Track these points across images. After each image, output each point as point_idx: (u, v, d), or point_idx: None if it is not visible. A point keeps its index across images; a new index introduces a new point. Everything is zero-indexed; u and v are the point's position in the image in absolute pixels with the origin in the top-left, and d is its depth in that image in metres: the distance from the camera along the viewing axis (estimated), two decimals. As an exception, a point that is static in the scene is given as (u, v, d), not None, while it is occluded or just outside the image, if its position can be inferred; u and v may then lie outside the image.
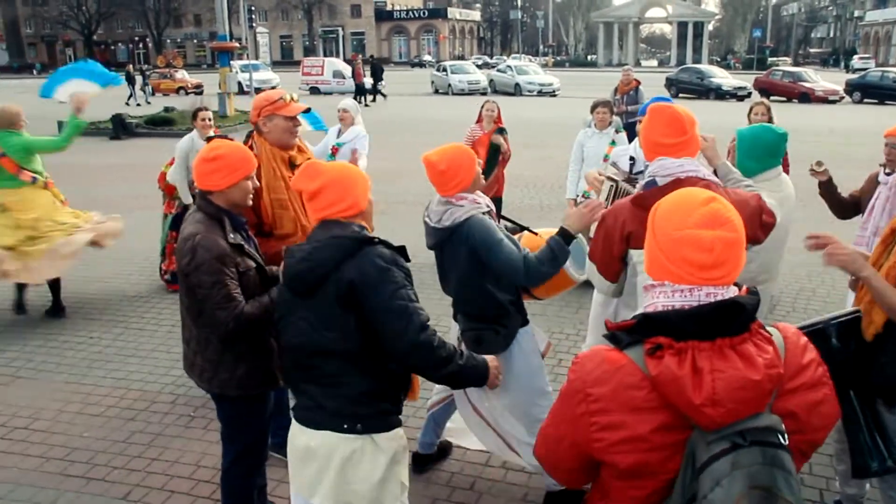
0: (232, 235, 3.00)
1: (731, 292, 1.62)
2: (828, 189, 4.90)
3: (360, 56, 41.24)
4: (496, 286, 3.41)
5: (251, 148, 3.98)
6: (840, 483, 3.64)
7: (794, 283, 7.25)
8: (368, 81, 32.84)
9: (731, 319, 1.57)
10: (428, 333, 2.51)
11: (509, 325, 3.50)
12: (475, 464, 4.23)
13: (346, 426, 2.52)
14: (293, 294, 2.56)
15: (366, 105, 29.49)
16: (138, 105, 30.69)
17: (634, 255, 3.09)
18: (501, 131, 7.77)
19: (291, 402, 2.77)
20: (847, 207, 4.96)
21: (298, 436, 2.63)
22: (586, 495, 1.87)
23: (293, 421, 2.66)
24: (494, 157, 7.62)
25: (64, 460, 4.32)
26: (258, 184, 3.28)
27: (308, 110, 4.22)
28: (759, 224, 3.08)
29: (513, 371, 3.48)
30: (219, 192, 3.01)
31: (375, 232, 2.63)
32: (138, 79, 36.12)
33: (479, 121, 7.82)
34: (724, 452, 1.52)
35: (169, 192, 7.34)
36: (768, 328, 1.66)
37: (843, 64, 66.12)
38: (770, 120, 6.31)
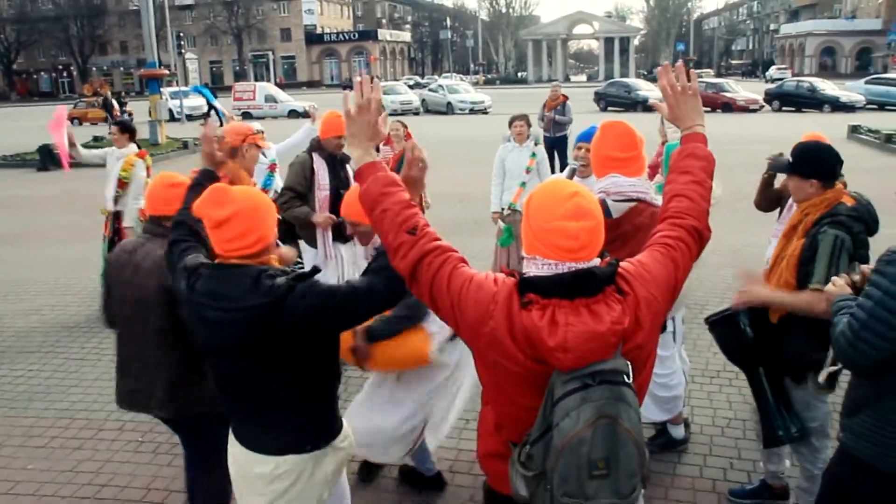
0: None
1: (593, 263, 1.98)
2: (769, 181, 5.11)
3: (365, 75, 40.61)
4: None
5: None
6: (763, 462, 3.92)
7: (720, 284, 7.59)
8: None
9: (586, 284, 1.93)
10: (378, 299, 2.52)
11: None
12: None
13: (306, 447, 2.58)
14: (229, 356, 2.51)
15: None
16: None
17: None
18: None
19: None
20: (772, 202, 5.24)
21: (254, 463, 2.62)
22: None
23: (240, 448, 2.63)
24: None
25: (8, 494, 4.28)
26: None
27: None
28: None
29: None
30: (169, 217, 3.02)
31: None
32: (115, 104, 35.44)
33: (387, 142, 7.92)
34: (575, 390, 1.85)
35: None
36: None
37: (762, 74, 68.59)
38: None
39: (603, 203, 3.17)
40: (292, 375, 2.48)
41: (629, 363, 1.91)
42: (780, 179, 4.49)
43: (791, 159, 3.40)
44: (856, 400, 2.55)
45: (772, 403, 3.42)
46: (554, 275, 1.95)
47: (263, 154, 7.88)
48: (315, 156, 5.58)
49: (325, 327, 2.44)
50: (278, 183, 8.10)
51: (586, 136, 4.61)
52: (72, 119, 30.30)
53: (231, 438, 2.65)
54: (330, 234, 5.59)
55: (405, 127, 7.89)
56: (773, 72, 63.03)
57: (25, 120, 40.08)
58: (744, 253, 8.24)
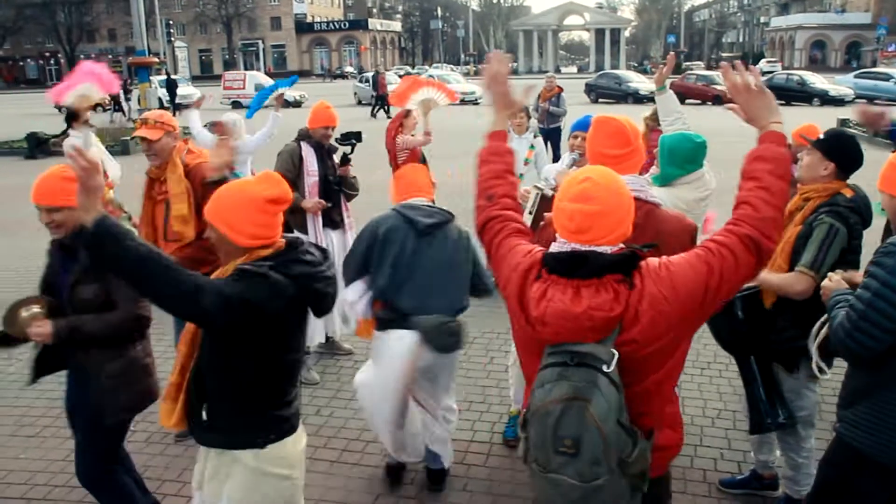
0: None
1: (603, 248, 2.06)
2: None
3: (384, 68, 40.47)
4: None
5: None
6: (754, 452, 3.97)
7: (710, 276, 7.63)
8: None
9: (578, 265, 2.04)
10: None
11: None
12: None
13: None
14: None
15: (373, 115, 29.01)
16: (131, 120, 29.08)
17: None
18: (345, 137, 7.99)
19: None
20: None
21: None
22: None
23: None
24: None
25: (1, 483, 4.28)
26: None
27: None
28: (689, 245, 3.26)
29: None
30: (69, 210, 3.03)
31: None
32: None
33: (399, 132, 7.82)
34: (554, 364, 1.98)
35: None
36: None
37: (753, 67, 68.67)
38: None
39: None
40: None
41: (615, 353, 1.95)
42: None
43: (822, 135, 3.45)
44: (854, 391, 2.58)
45: (761, 390, 3.46)
46: (558, 251, 2.09)
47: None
48: (303, 144, 5.69)
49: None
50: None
51: (582, 125, 4.61)
52: (59, 107, 30.00)
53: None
54: (320, 219, 5.70)
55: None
56: (763, 65, 63.19)
57: (12, 107, 39.77)
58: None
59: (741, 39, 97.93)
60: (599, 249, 2.05)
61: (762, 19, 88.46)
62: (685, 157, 3.91)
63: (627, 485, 1.96)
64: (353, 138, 5.87)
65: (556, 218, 2.13)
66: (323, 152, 5.75)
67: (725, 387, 5.17)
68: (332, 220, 5.79)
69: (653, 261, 2.08)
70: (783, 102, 31.93)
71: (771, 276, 3.28)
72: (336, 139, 5.77)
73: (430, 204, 4.07)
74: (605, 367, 1.93)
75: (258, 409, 2.63)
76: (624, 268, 2.04)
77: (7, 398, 5.36)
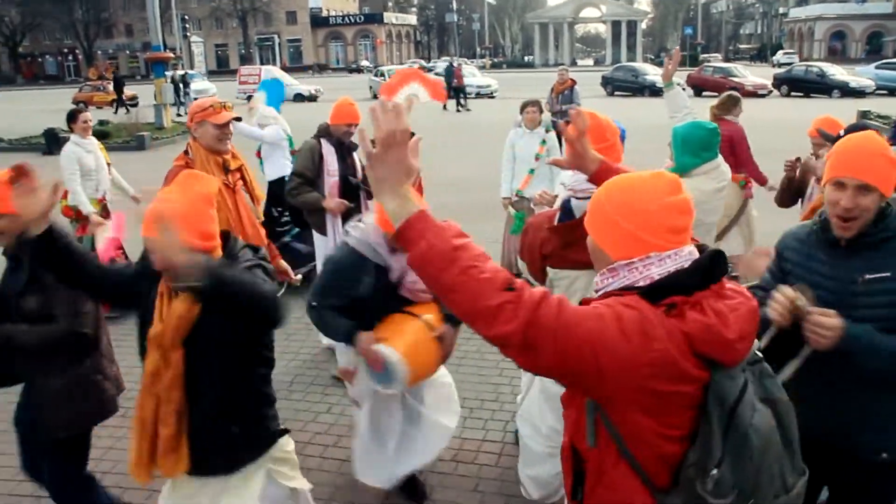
0: None
1: (691, 247, 1.78)
2: (791, 180, 5.08)
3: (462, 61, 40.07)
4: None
5: (186, 153, 4.26)
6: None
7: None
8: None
9: (717, 266, 1.74)
10: None
11: None
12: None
13: None
14: None
15: (458, 110, 29.00)
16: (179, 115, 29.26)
17: (550, 272, 3.25)
18: None
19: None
20: (794, 196, 5.18)
21: None
22: (586, 464, 1.85)
23: None
24: None
25: (13, 480, 4.27)
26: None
27: (239, 119, 4.41)
28: None
29: None
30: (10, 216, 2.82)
31: None
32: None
33: None
34: (746, 382, 1.70)
35: (67, 214, 6.93)
36: None
37: (771, 59, 68.07)
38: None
39: (566, 204, 3.12)
40: None
41: None
42: (775, 173, 4.40)
43: (841, 134, 3.34)
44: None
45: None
46: (690, 265, 1.73)
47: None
48: (323, 141, 5.49)
49: None
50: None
51: None
52: (77, 102, 30.24)
53: None
54: (340, 220, 5.45)
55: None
56: (780, 56, 62.54)
57: (31, 103, 40.07)
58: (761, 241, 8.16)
59: (759, 31, 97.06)
60: (691, 247, 1.79)
61: (781, 10, 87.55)
62: (700, 145, 3.85)
63: None
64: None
65: (654, 221, 1.73)
66: (343, 151, 5.55)
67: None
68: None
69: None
70: (802, 94, 31.66)
71: None
72: (372, 141, 5.46)
73: None
74: (759, 354, 1.81)
75: (262, 415, 2.62)
76: None
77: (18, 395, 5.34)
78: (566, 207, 3.12)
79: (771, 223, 8.65)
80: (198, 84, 37.70)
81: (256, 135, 7.81)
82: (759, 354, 1.78)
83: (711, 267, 1.73)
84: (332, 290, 3.44)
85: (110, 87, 40.45)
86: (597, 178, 2.35)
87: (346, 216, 5.33)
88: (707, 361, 1.66)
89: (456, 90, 29.47)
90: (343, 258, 3.44)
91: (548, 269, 3.24)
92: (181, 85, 36.07)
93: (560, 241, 3.07)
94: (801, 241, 2.53)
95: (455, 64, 31.06)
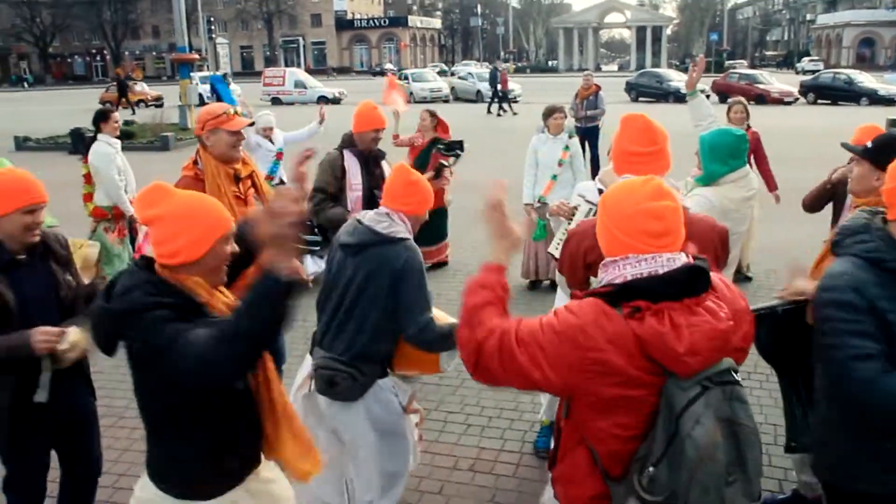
0: None
1: (682, 258, 1.88)
2: (827, 188, 4.89)
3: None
4: (382, 325, 3.22)
5: (195, 163, 4.05)
6: (796, 472, 3.78)
7: (752, 283, 7.42)
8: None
9: (698, 281, 1.84)
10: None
11: (368, 374, 3.27)
12: (443, 468, 4.28)
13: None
14: None
15: (499, 114, 28.81)
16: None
17: (594, 282, 3.14)
18: (449, 148, 7.64)
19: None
20: (824, 201, 5.03)
21: None
22: (553, 451, 2.15)
23: None
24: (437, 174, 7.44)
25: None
26: (40, 221, 2.90)
27: (251, 124, 4.30)
28: (720, 250, 3.07)
29: (367, 422, 3.31)
30: None
31: None
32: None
33: (419, 130, 7.85)
34: (698, 395, 1.77)
35: (100, 215, 6.94)
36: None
37: (796, 65, 67.35)
38: (748, 117, 7.35)
39: None
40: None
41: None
42: (802, 181, 4.29)
43: (870, 144, 3.26)
44: None
45: (799, 407, 3.27)
46: (665, 274, 1.84)
47: (271, 141, 8.17)
48: (346, 153, 5.05)
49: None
50: (282, 172, 8.18)
51: None
52: (103, 103, 30.59)
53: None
54: None
55: (434, 116, 7.76)
56: (805, 63, 61.89)
57: (60, 103, 40.53)
58: (775, 248, 8.04)
59: (786, 37, 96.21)
60: (682, 256, 1.89)
61: (808, 16, 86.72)
62: (728, 152, 3.77)
63: None
64: (457, 148, 5.15)
65: (631, 224, 1.87)
66: (368, 161, 5.07)
67: (766, 399, 4.98)
68: None
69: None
70: (829, 102, 31.28)
71: None
72: (439, 148, 5.11)
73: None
74: (737, 376, 1.85)
75: None
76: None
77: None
78: None
79: (773, 232, 8.58)
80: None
81: (302, 137, 7.96)
82: (735, 376, 1.83)
83: (687, 281, 1.82)
84: (428, 297, 3.25)
85: (136, 87, 40.93)
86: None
87: None
88: (662, 368, 1.79)
89: (501, 95, 29.21)
90: (419, 258, 3.26)
91: (591, 279, 3.16)
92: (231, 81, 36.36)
93: None
94: (881, 286, 2.29)
95: (500, 68, 30.90)
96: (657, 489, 1.78)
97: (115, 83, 40.40)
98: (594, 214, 3.89)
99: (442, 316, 3.34)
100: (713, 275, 1.95)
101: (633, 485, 1.83)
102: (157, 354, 2.09)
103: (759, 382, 5.21)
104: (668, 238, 1.86)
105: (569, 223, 3.79)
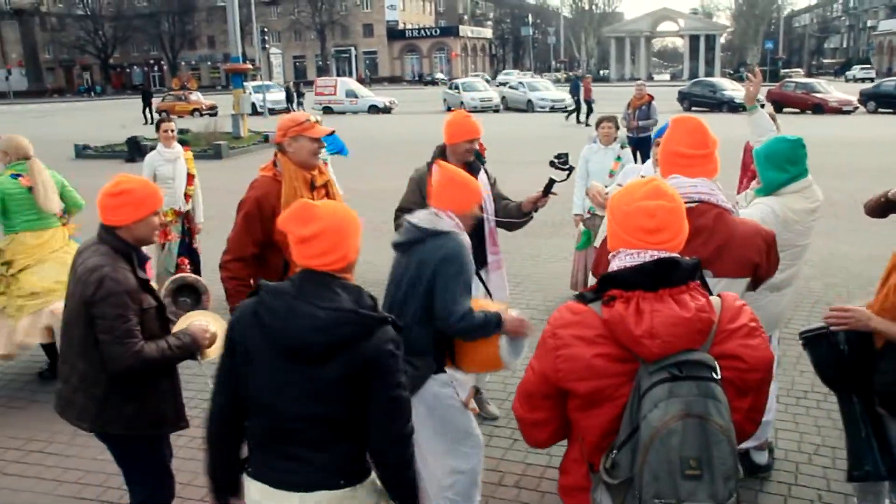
0: (140, 272, 3.02)
1: (658, 253, 1.96)
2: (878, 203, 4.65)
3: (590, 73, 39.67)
4: (424, 316, 3.22)
5: (275, 164, 4.08)
6: (858, 499, 3.60)
7: (809, 296, 7.18)
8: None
9: (669, 272, 1.92)
10: (410, 427, 2.41)
11: (420, 367, 3.25)
12: (488, 483, 4.20)
13: (339, 483, 2.39)
14: (288, 360, 2.32)
15: (578, 121, 28.69)
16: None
17: None
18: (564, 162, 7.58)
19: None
20: (886, 209, 4.80)
21: (272, 499, 2.43)
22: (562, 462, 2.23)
23: (257, 484, 2.45)
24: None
25: (78, 483, 4.35)
26: (165, 220, 3.20)
27: (332, 133, 4.26)
28: (767, 254, 2.97)
29: (422, 416, 3.24)
30: (125, 228, 3.01)
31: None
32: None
33: None
34: (662, 381, 1.82)
35: None
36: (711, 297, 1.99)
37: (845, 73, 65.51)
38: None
39: None
40: (339, 404, 2.34)
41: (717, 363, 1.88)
42: (858, 192, 4.09)
43: None
44: None
45: (863, 434, 3.11)
46: (636, 265, 1.95)
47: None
48: (434, 169, 4.64)
49: (366, 392, 2.32)
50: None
51: (664, 132, 4.37)
52: (160, 112, 31.36)
53: (248, 482, 2.49)
54: None
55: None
56: (856, 71, 60.23)
57: (121, 111, 41.58)
58: (834, 263, 7.80)
59: (845, 45, 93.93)
60: (674, 255, 1.97)
61: (869, 23, 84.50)
62: (784, 158, 3.65)
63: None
64: (568, 162, 4.52)
65: (627, 221, 1.98)
66: None
67: (824, 420, 4.79)
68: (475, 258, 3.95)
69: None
70: (892, 111, 30.36)
71: (887, 325, 2.91)
72: (552, 162, 4.72)
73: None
74: (714, 375, 1.85)
75: None
76: (698, 274, 2.01)
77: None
78: None
79: (829, 246, 8.32)
80: (275, 94, 38.52)
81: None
82: (715, 375, 1.84)
83: (655, 271, 1.92)
84: (467, 287, 3.24)
85: (192, 96, 41.82)
86: None
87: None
88: (631, 354, 1.90)
89: (586, 103, 28.90)
90: (463, 250, 3.23)
91: None
92: (295, 94, 37.06)
93: None
94: None
95: (585, 76, 30.64)
96: (618, 472, 1.87)
97: (180, 92, 41.38)
98: None
99: (488, 305, 3.34)
100: (727, 294, 2.05)
101: (601, 465, 1.93)
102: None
103: (815, 402, 5.03)
104: (660, 235, 1.95)
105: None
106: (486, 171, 4.71)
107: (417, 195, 4.50)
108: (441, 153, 4.62)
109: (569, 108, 31.36)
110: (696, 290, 1.96)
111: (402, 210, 4.55)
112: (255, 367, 2.36)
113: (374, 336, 2.30)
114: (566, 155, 4.59)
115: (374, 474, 2.49)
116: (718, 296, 2.04)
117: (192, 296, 3.72)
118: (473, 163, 4.63)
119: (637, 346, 1.88)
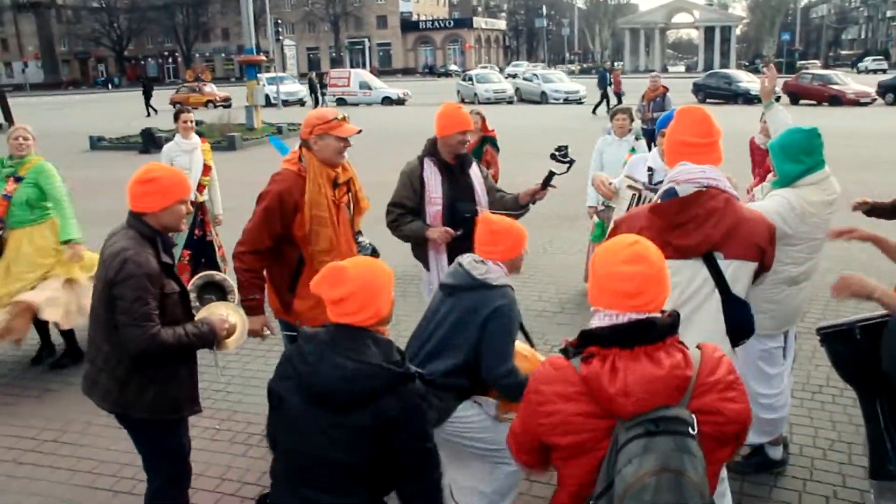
0: (163, 256, 3.07)
1: (634, 315, 1.99)
2: (873, 213, 4.54)
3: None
4: (464, 366, 3.23)
5: (300, 159, 4.05)
6: (875, 496, 3.55)
7: (824, 290, 7.10)
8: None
9: (644, 333, 1.96)
10: (438, 474, 2.51)
11: (444, 399, 3.24)
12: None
13: None
14: (314, 405, 2.39)
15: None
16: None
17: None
18: (492, 142, 7.67)
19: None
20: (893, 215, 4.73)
21: None
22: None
23: None
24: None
25: (92, 473, 4.37)
26: (191, 208, 3.26)
27: (359, 131, 4.12)
28: (767, 244, 2.96)
29: (449, 444, 3.32)
30: (152, 215, 3.05)
31: None
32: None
33: None
34: (638, 436, 1.86)
35: None
36: (691, 349, 2.03)
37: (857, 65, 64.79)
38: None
39: (670, 191, 2.93)
40: (360, 454, 2.39)
41: (693, 416, 1.91)
42: (876, 186, 4.04)
43: None
44: None
45: (885, 433, 3.07)
46: (612, 324, 1.99)
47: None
48: (426, 162, 4.51)
49: (390, 446, 2.37)
50: None
51: (668, 121, 4.31)
52: (174, 103, 31.47)
53: None
54: (445, 256, 4.45)
55: (482, 116, 7.66)
56: (868, 62, 59.51)
57: (133, 105, 41.71)
58: (850, 255, 7.71)
59: (863, 36, 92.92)
60: (652, 316, 2.00)
61: (889, 13, 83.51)
62: (799, 149, 3.60)
63: None
64: (568, 154, 4.44)
65: (607, 285, 2.02)
66: (453, 170, 4.50)
67: (839, 415, 4.74)
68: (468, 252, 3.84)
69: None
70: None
71: (892, 296, 2.89)
72: (554, 154, 4.69)
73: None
74: (691, 430, 1.87)
75: None
76: (676, 330, 2.03)
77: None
78: (671, 192, 2.93)
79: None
80: (288, 86, 38.54)
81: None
82: (692, 430, 1.87)
83: (630, 332, 1.96)
84: (513, 343, 3.28)
85: (206, 88, 41.91)
86: None
87: (456, 250, 4.05)
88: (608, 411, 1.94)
89: (616, 96, 28.70)
90: (515, 307, 3.24)
91: None
92: (318, 85, 37.06)
93: (662, 222, 2.87)
94: None
95: (614, 68, 30.28)
96: None
97: (191, 83, 41.39)
98: (639, 201, 3.81)
99: (523, 349, 3.39)
100: (706, 346, 2.08)
101: None
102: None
103: (831, 397, 4.98)
104: (638, 299, 1.98)
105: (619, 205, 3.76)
106: (479, 167, 4.72)
107: (409, 189, 4.49)
108: (433, 146, 4.53)
109: (582, 100, 31.19)
110: (674, 345, 1.99)
111: (395, 205, 4.57)
112: (284, 409, 2.45)
113: (399, 391, 2.36)
114: (566, 147, 4.53)
115: None
116: (698, 347, 2.07)
117: (217, 293, 3.72)
118: (466, 156, 4.58)
119: (612, 404, 1.92)
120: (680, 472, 1.81)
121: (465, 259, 3.35)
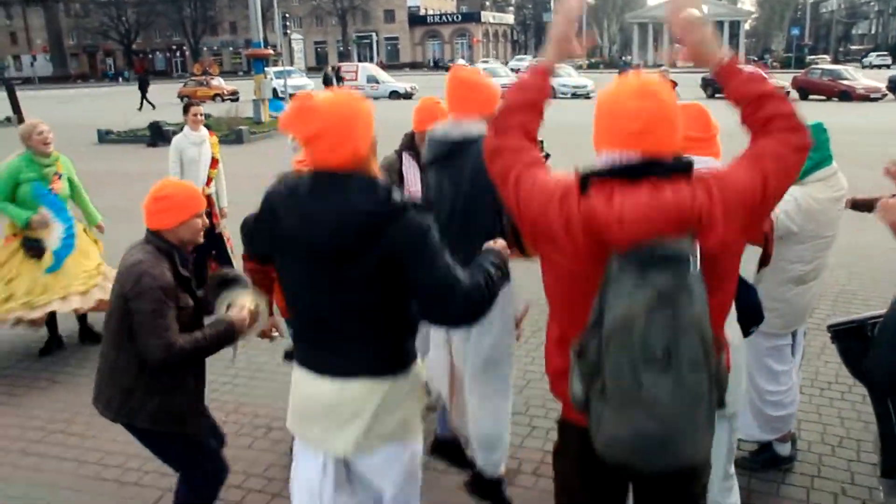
0: (181, 269, 3.07)
1: (636, 153, 1.87)
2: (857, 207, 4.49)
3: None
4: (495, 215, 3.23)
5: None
6: (884, 494, 3.53)
7: (833, 286, 7.08)
8: None
9: (651, 168, 1.84)
10: (467, 303, 2.32)
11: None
12: (506, 469, 4.18)
13: (378, 372, 2.41)
14: (311, 260, 2.32)
15: None
16: None
17: None
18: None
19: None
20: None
21: (314, 385, 2.47)
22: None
23: (303, 371, 2.52)
24: None
25: (98, 464, 4.38)
26: (207, 222, 3.26)
27: None
28: (769, 232, 2.99)
29: (490, 326, 3.36)
30: (169, 231, 3.06)
31: None
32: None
33: None
34: (631, 270, 1.74)
35: None
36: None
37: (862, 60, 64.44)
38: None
39: None
40: (370, 294, 2.33)
41: (696, 248, 1.77)
42: (885, 180, 3.99)
43: None
44: None
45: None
46: (619, 163, 1.89)
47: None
48: (405, 156, 4.52)
49: (404, 271, 2.27)
50: None
51: None
52: (182, 97, 31.50)
53: (295, 370, 2.58)
54: None
55: None
56: (872, 58, 59.11)
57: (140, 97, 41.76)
58: (859, 253, 7.68)
59: (874, 30, 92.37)
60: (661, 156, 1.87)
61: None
62: None
63: (714, 402, 1.79)
64: (543, 149, 4.58)
65: (612, 123, 1.90)
66: None
67: (848, 411, 4.71)
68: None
69: (711, 168, 2.01)
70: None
71: None
72: None
73: None
74: (691, 266, 1.74)
75: None
76: (689, 172, 1.88)
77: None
78: None
79: (855, 236, 8.15)
80: (296, 80, 38.55)
81: None
82: (690, 267, 1.74)
83: (636, 167, 1.84)
84: None
85: (213, 81, 41.89)
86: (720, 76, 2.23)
87: None
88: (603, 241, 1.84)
89: None
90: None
91: None
92: (334, 78, 37.01)
93: None
94: None
95: (634, 63, 30.15)
96: (586, 356, 1.83)
97: (201, 77, 41.31)
98: None
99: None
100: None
101: (572, 349, 1.90)
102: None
103: (839, 393, 4.95)
104: (645, 138, 1.86)
105: None
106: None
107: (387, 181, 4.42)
108: (410, 140, 4.48)
109: (590, 94, 31.09)
110: (682, 182, 1.86)
111: None
112: (284, 260, 2.45)
113: (393, 227, 2.23)
114: (541, 142, 4.49)
115: (416, 366, 2.53)
116: None
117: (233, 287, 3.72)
118: None
119: (606, 233, 1.82)
120: (672, 306, 1.70)
121: (436, 129, 3.34)
